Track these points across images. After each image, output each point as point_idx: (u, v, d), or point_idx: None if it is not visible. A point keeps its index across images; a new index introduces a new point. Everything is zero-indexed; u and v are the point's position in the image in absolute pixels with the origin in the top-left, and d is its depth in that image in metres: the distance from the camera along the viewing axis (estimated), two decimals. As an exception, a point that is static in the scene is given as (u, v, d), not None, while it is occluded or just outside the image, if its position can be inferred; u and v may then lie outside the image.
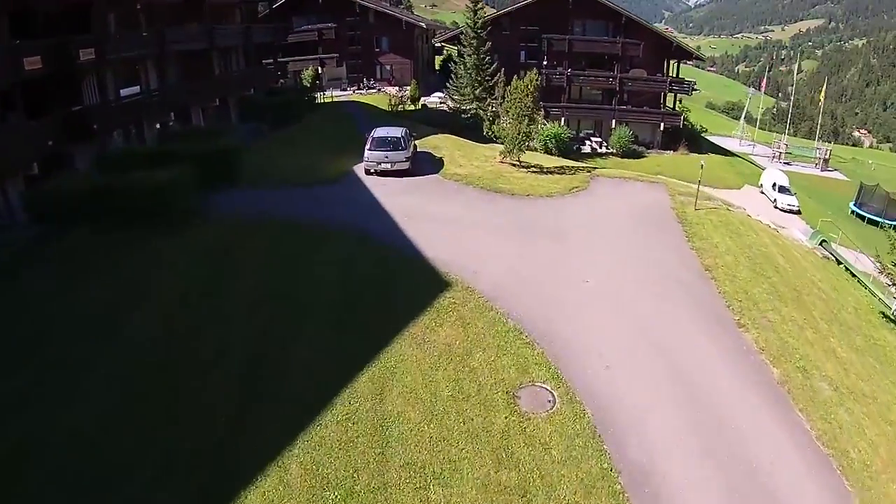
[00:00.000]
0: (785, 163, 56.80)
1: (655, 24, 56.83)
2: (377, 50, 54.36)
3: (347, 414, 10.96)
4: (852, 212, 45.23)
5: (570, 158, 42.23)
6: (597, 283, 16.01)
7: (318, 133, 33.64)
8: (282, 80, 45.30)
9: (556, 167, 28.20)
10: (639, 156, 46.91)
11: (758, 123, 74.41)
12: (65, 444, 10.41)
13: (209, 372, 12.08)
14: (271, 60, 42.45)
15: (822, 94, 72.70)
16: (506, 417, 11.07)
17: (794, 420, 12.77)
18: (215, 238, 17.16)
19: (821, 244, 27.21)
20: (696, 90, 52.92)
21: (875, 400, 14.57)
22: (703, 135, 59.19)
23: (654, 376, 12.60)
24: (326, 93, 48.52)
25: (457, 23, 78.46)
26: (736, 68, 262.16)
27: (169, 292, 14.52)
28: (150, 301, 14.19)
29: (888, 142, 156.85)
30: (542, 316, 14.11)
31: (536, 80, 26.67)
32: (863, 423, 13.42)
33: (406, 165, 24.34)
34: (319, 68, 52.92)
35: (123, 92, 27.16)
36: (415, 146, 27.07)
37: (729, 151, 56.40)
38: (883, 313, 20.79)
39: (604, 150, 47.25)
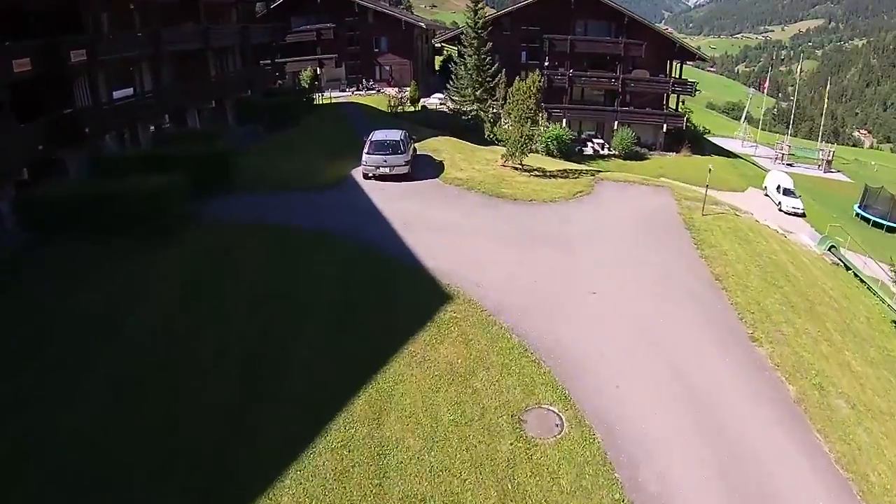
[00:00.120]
0: (788, 164, 56.31)
1: (655, 25, 56.20)
2: (376, 50, 53.73)
3: (343, 441, 10.33)
4: (857, 214, 44.70)
5: (571, 160, 41.72)
6: (604, 294, 15.38)
7: (315, 135, 32.99)
8: (280, 81, 44.66)
9: (559, 171, 27.59)
10: (641, 158, 46.35)
11: (761, 125, 73.61)
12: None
13: (204, 385, 11.50)
14: (269, 61, 41.81)
15: (826, 95, 72.04)
16: (511, 444, 10.44)
17: (812, 441, 12.18)
18: (206, 247, 16.54)
19: (829, 250, 26.63)
20: (697, 91, 52.35)
21: (892, 417, 13.98)
22: (705, 136, 58.67)
23: (666, 396, 11.99)
24: (325, 94, 47.88)
25: (457, 23, 77.85)
26: (736, 68, 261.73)
27: (155, 306, 13.89)
28: (134, 315, 13.55)
29: (888, 142, 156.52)
30: (548, 330, 13.48)
31: (539, 81, 26.05)
32: (881, 444, 12.84)
33: (405, 170, 23.69)
34: (318, 69, 52.26)
35: (117, 94, 26.50)
36: (414, 149, 26.43)
37: (732, 153, 55.87)
38: (895, 322, 20.22)
39: (606, 151, 46.68)
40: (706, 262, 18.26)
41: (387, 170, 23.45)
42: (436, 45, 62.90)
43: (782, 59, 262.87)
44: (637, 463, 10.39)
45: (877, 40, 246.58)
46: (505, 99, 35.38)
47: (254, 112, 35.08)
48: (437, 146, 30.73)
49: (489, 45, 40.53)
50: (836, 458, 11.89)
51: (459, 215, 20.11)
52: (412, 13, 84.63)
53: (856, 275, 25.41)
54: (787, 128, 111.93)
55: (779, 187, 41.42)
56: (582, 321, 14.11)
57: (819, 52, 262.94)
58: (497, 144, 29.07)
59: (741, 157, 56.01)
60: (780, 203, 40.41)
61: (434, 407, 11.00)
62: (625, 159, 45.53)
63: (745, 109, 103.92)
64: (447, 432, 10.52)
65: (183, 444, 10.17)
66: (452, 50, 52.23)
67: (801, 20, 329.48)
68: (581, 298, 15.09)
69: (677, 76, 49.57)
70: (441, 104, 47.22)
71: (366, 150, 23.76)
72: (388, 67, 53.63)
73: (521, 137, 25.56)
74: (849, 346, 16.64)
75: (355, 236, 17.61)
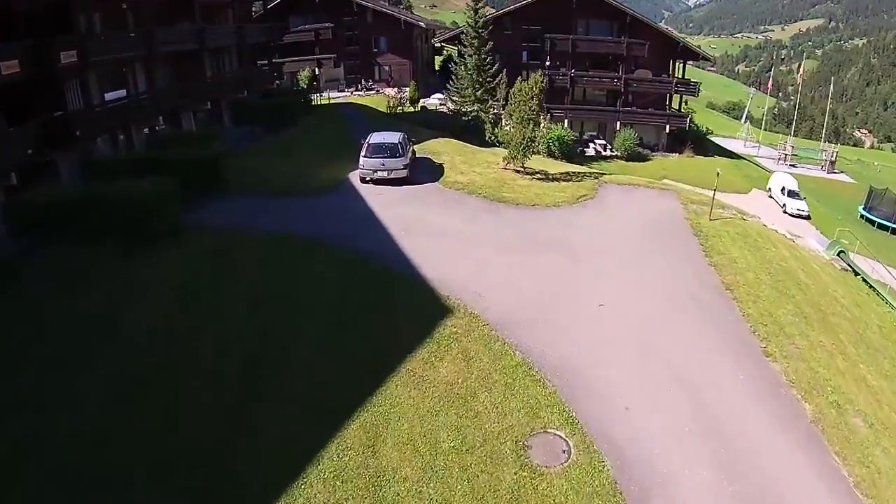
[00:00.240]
0: (791, 165, 55.69)
1: (658, 24, 55.55)
2: (375, 50, 53.11)
3: (336, 470, 9.64)
4: (861, 216, 44.13)
5: (573, 162, 41.12)
6: (611, 306, 14.72)
7: (313, 137, 32.34)
8: (277, 82, 44.00)
9: (562, 173, 26.95)
10: (644, 159, 45.77)
11: (763, 125, 73.03)
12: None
13: (193, 403, 10.88)
14: (266, 61, 41.15)
15: (830, 94, 71.44)
16: (515, 473, 9.76)
17: (830, 465, 11.55)
18: (196, 256, 15.86)
19: (838, 255, 26.00)
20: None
21: (910, 435, 13.37)
22: (708, 137, 58.06)
23: (678, 418, 11.35)
24: (324, 94, 47.27)
25: (456, 23, 77.16)
26: (736, 68, 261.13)
27: (143, 315, 13.27)
28: (123, 323, 12.93)
29: (889, 141, 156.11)
30: (554, 346, 12.82)
31: (542, 81, 25.40)
32: (901, 465, 12.23)
33: (404, 173, 23.01)
34: (316, 69, 51.62)
35: (109, 96, 25.92)
36: (413, 152, 25.77)
37: (735, 154, 55.29)
38: (909, 331, 19.60)
39: (608, 152, 46.09)
40: (715, 270, 17.63)
41: (385, 173, 22.78)
42: (436, 44, 62.23)
43: (782, 59, 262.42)
44: (649, 494, 9.74)
45: (877, 40, 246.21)
46: (506, 100, 34.81)
47: (250, 113, 34.51)
48: (437, 148, 30.09)
49: (490, 44, 39.88)
50: (855, 482, 11.28)
51: (460, 221, 19.46)
52: (412, 13, 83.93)
53: (864, 280, 24.85)
54: (788, 127, 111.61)
55: (783, 189, 40.87)
56: (588, 336, 13.45)
57: (819, 52, 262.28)
58: (498, 146, 28.41)
59: (744, 158, 55.42)
60: (784, 205, 39.87)
61: (433, 432, 10.33)
62: (627, 160, 44.93)
63: (746, 109, 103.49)
64: (447, 461, 9.85)
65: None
66: (452, 50, 51.60)
67: (801, 20, 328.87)
68: (587, 310, 14.43)
69: (680, 76, 48.94)
70: (441, 105, 46.60)
71: (363, 153, 23.07)
72: (387, 67, 53.00)
73: (523, 140, 24.91)
74: (863, 358, 16.03)
75: (352, 244, 16.94)
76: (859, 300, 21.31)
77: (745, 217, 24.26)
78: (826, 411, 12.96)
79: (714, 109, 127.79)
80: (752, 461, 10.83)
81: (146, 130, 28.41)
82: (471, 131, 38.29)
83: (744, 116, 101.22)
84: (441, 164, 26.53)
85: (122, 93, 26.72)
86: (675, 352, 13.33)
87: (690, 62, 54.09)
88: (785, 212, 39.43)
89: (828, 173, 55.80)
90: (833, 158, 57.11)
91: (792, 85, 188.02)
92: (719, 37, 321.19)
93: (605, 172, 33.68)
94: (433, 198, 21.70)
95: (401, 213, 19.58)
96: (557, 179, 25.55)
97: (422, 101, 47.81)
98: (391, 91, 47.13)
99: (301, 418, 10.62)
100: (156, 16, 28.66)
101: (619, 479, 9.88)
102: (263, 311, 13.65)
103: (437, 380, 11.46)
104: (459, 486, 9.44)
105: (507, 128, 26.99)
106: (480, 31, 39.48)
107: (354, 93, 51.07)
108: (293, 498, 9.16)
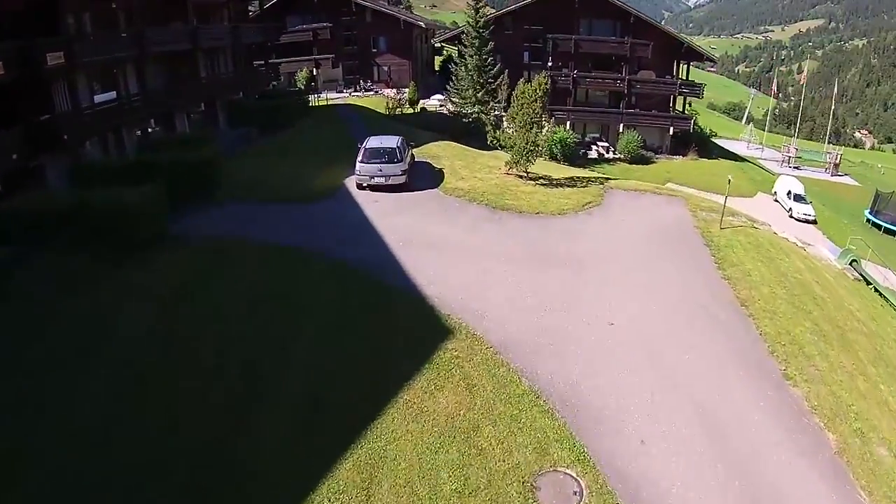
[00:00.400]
0: (794, 167, 54.97)
1: (662, 25, 54.77)
2: (374, 50, 52.33)
3: (327, 517, 8.84)
4: (868, 220, 43.43)
5: (576, 164, 40.34)
6: (622, 325, 13.86)
7: (309, 139, 31.49)
8: (274, 83, 43.15)
9: (566, 178, 26.09)
10: (647, 161, 45.01)
11: (767, 126, 72.25)
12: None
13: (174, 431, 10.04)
14: (262, 62, 40.29)
15: (833, 95, 70.70)
16: (523, 519, 8.96)
17: (858, 501, 10.76)
18: (180, 269, 14.96)
19: (851, 264, 25.23)
20: (701, 92, 50.93)
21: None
22: (711, 139, 57.29)
23: (697, 452, 10.52)
24: (321, 95, 46.50)
25: (456, 23, 76.38)
26: (736, 68, 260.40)
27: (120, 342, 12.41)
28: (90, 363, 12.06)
29: (890, 142, 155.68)
30: (562, 371, 11.97)
31: (545, 84, 24.53)
32: (928, 500, 11.44)
33: (402, 179, 22.11)
34: (314, 70, 50.81)
35: (99, 98, 25.01)
36: (412, 156, 24.92)
37: (739, 156, 54.54)
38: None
39: (611, 155, 45.31)
40: (729, 283, 16.81)
41: (382, 180, 21.89)
42: (435, 45, 61.43)
43: (782, 60, 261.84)
44: (669, 540, 8.94)
45: (877, 40, 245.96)
46: (508, 101, 33.99)
47: (246, 115, 33.72)
48: (437, 152, 29.24)
49: (491, 44, 39.09)
50: (883, 519, 10.51)
51: (461, 231, 18.59)
52: (411, 13, 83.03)
53: (876, 289, 24.11)
54: (788, 128, 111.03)
55: (789, 193, 40.16)
56: (599, 359, 12.59)
57: (819, 53, 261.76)
58: (500, 150, 27.54)
59: (748, 161, 54.67)
60: (790, 209, 39.16)
61: (433, 472, 9.43)
62: (630, 163, 44.16)
63: (747, 110, 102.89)
64: (449, 506, 9.01)
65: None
66: (452, 50, 50.79)
67: (802, 20, 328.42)
68: (597, 330, 13.56)
69: (684, 77, 48.15)
70: (441, 106, 45.81)
71: (359, 158, 22.15)
72: (386, 68, 52.21)
73: (526, 144, 24.05)
74: (883, 378, 15.22)
75: (346, 256, 16.03)
76: (874, 313, 20.54)
77: (755, 225, 23.46)
78: (850, 441, 12.17)
79: (714, 110, 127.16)
80: (779, 499, 10.02)
81: (138, 133, 27.58)
82: (471, 134, 37.50)
83: (745, 118, 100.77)
84: (441, 168, 25.68)
85: (113, 95, 25.83)
86: (691, 376, 12.49)
87: (694, 63, 53.29)
88: (791, 216, 38.73)
89: (832, 176, 55.18)
90: (837, 161, 56.42)
91: (792, 85, 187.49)
92: (719, 37, 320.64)
93: (609, 176, 32.90)
94: (433, 206, 20.81)
95: (399, 222, 18.71)
96: (562, 185, 24.70)
97: (421, 102, 47.01)
98: (390, 92, 46.34)
99: (290, 457, 9.75)
100: (148, 15, 27.79)
101: (636, 524, 9.07)
102: (250, 330, 12.80)
103: (438, 411, 10.58)
104: (462, 537, 8.60)
105: (510, 131, 26.14)
106: (481, 30, 38.68)
107: (353, 94, 50.29)
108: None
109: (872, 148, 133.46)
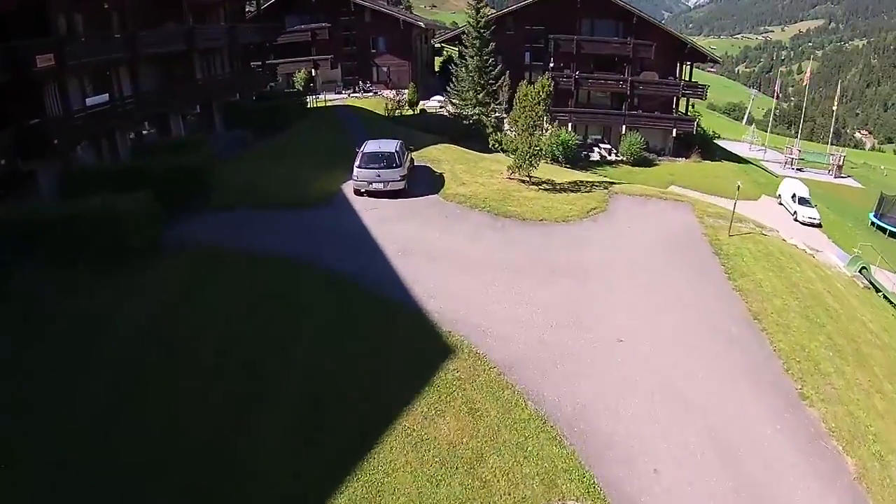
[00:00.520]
0: (797, 169, 54.40)
1: (665, 25, 54.15)
2: (373, 51, 51.68)
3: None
4: (872, 223, 42.92)
5: (578, 167, 39.77)
6: (632, 342, 13.24)
7: (306, 142, 30.82)
8: (271, 84, 42.52)
9: (570, 183, 25.48)
10: (650, 164, 44.44)
11: (769, 127, 71.63)
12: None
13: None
14: (259, 63, 39.65)
15: (836, 99, 70.03)
16: (532, 560, 8.38)
17: (881, 530, 10.21)
18: (170, 281, 14.35)
19: (860, 272, 24.67)
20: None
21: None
22: (714, 141, 56.68)
23: (713, 481, 9.94)
24: (320, 96, 45.89)
25: (456, 23, 75.85)
26: (736, 69, 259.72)
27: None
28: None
29: (890, 143, 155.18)
30: (569, 393, 11.36)
31: (549, 86, 23.88)
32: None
33: (401, 185, 21.41)
34: (313, 70, 50.17)
35: (91, 101, 24.38)
36: (411, 160, 24.27)
37: (742, 158, 53.95)
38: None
39: (613, 157, 44.70)
40: (741, 295, 16.21)
41: (380, 185, 21.19)
42: (435, 45, 60.84)
43: (782, 60, 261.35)
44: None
45: (877, 40, 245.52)
46: (509, 103, 33.36)
47: (243, 116, 33.08)
48: (437, 155, 28.62)
49: (492, 45, 38.47)
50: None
51: (462, 240, 17.94)
52: (411, 13, 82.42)
53: (885, 297, 23.57)
54: (788, 128, 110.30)
55: (794, 196, 39.61)
56: (608, 379, 11.98)
57: (819, 53, 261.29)
58: (502, 153, 26.88)
59: (751, 163, 54.10)
60: (795, 213, 38.65)
61: (435, 507, 8.89)
62: (633, 165, 43.58)
63: (748, 111, 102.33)
64: (451, 547, 8.39)
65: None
66: (453, 51, 50.23)
67: (801, 20, 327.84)
68: (605, 347, 12.95)
69: (687, 78, 47.57)
70: (441, 107, 45.20)
71: (357, 162, 21.42)
72: (385, 69, 51.56)
73: (529, 148, 23.39)
74: (900, 393, 14.67)
75: (342, 267, 15.37)
76: (886, 324, 19.98)
77: (764, 231, 22.88)
78: (869, 465, 11.62)
79: (714, 111, 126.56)
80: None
81: (132, 136, 26.97)
82: (472, 136, 36.90)
83: (745, 118, 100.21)
84: (441, 173, 25.05)
85: (105, 97, 25.19)
86: (704, 398, 11.90)
87: (698, 64, 52.70)
88: (795, 219, 38.22)
89: (835, 178, 54.62)
90: (840, 163, 55.85)
91: (792, 86, 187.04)
92: (719, 37, 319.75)
93: (613, 179, 32.34)
94: (433, 212, 20.14)
95: (397, 230, 18.05)
96: (565, 190, 24.09)
97: (421, 103, 46.42)
98: (389, 93, 45.75)
99: (282, 493, 9.15)
100: (142, 16, 27.15)
101: (652, 564, 8.48)
102: (238, 351, 12.12)
103: (439, 439, 9.95)
104: (466, 582, 7.98)
105: (512, 134, 25.51)
106: (482, 31, 38.08)
107: (352, 95, 49.69)
108: None
109: (873, 148, 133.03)
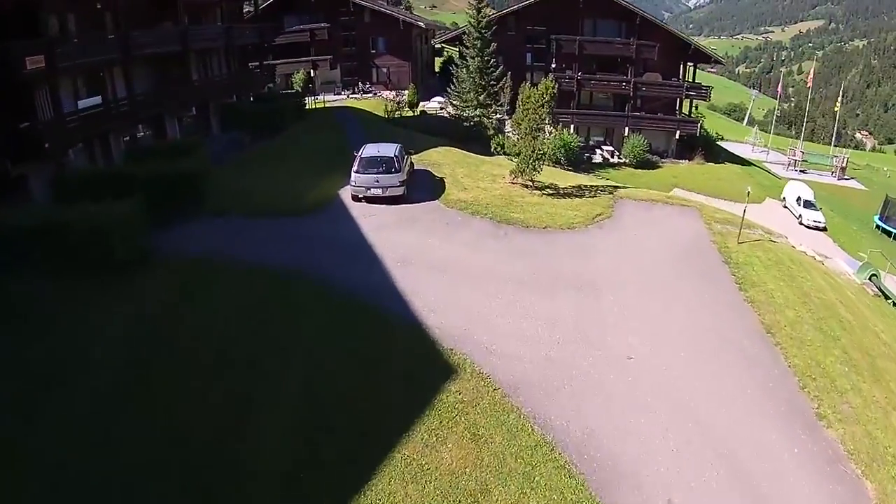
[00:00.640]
0: (801, 171, 53.91)
1: (668, 25, 53.55)
2: (373, 51, 51.12)
3: None
4: (877, 226, 42.44)
5: (580, 169, 39.24)
6: (642, 359, 12.66)
7: (304, 145, 30.25)
8: (269, 85, 41.94)
9: (573, 187, 24.91)
10: (653, 166, 43.92)
11: (771, 129, 71.12)
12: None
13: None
14: (257, 63, 39.07)
15: (839, 101, 69.52)
16: None
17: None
18: (158, 295, 13.73)
19: (870, 279, 24.14)
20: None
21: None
22: (717, 142, 56.17)
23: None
24: (319, 97, 45.34)
25: (456, 23, 75.30)
26: (736, 69, 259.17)
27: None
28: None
29: (890, 143, 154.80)
30: (577, 416, 10.78)
31: (552, 88, 23.26)
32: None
33: (400, 191, 20.75)
34: (312, 71, 49.61)
35: (83, 103, 23.80)
36: (411, 164, 23.67)
37: (746, 161, 53.45)
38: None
39: (616, 159, 44.19)
40: (753, 307, 15.65)
41: (379, 191, 20.52)
42: (435, 45, 60.30)
43: (783, 61, 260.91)
44: None
45: (877, 41, 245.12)
46: (511, 105, 32.80)
47: (240, 118, 32.53)
48: (438, 158, 28.04)
49: (493, 46, 37.90)
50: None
51: (464, 249, 17.33)
52: (411, 13, 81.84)
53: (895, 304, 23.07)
54: (789, 129, 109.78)
55: (799, 199, 39.15)
56: (618, 400, 11.39)
57: (819, 53, 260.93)
58: (504, 156, 26.29)
59: (755, 165, 53.60)
60: (800, 216, 38.18)
61: (436, 548, 8.30)
62: (636, 168, 43.08)
63: (749, 112, 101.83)
64: None
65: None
66: (453, 51, 49.69)
67: (802, 21, 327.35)
68: (614, 366, 12.36)
69: (690, 79, 47.02)
70: (441, 109, 44.66)
71: (355, 167, 20.72)
72: (385, 69, 51.02)
73: (532, 152, 22.79)
74: (918, 411, 14.11)
75: (339, 279, 14.69)
76: (899, 333, 19.44)
77: (773, 238, 22.34)
78: (889, 489, 11.07)
79: (715, 111, 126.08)
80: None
81: (127, 138, 26.40)
82: (473, 138, 36.36)
83: (746, 119, 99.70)
84: (441, 177, 24.47)
85: (98, 100, 24.60)
86: (718, 420, 11.34)
87: (702, 65, 52.13)
88: (801, 223, 37.74)
89: (838, 180, 54.18)
90: (844, 164, 55.38)
91: (792, 86, 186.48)
92: (719, 38, 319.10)
93: (616, 182, 31.78)
94: (433, 219, 19.51)
95: (396, 239, 17.43)
96: (569, 195, 23.53)
97: (421, 104, 45.87)
98: (389, 94, 45.19)
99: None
100: (137, 16, 26.60)
101: None
102: (227, 375, 11.46)
103: (441, 468, 9.35)
104: None
105: (514, 137, 24.92)
106: (483, 31, 37.52)
107: (351, 96, 49.15)
108: None
109: (873, 149, 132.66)
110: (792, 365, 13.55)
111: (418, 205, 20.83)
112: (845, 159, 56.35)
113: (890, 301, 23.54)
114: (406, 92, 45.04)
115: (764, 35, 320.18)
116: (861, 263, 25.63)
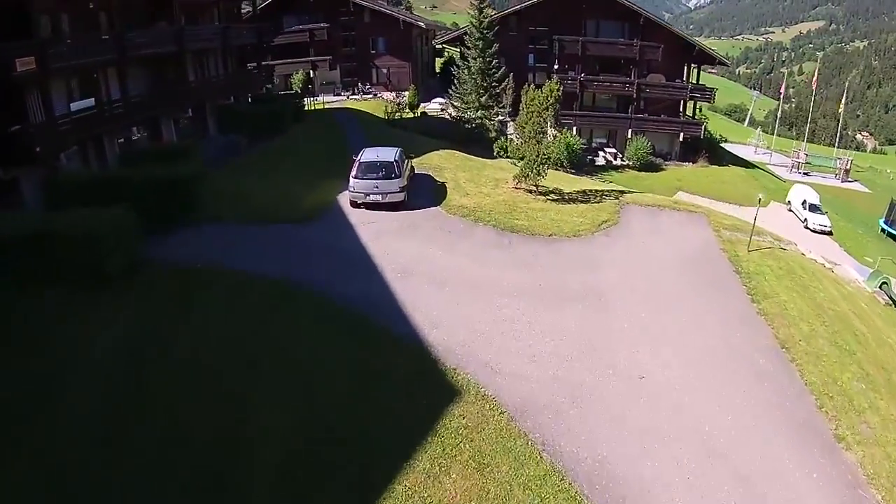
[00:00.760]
0: (804, 173, 53.44)
1: (672, 26, 53.00)
2: (373, 52, 50.59)
3: None
4: (882, 230, 42.01)
5: (583, 172, 38.70)
6: (653, 378, 12.09)
7: (302, 148, 29.69)
8: (268, 86, 41.38)
9: (578, 192, 24.33)
10: (657, 168, 43.44)
11: (775, 131, 70.59)
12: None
13: None
14: (255, 64, 38.50)
15: (842, 102, 69.03)
16: None
17: None
18: (145, 312, 13.13)
19: (881, 287, 23.60)
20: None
21: None
22: (720, 144, 55.65)
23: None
24: (318, 98, 44.81)
25: (457, 24, 74.70)
26: (737, 70, 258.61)
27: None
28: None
29: (891, 144, 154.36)
30: (588, 442, 10.21)
31: (557, 90, 22.66)
32: None
33: (400, 197, 20.15)
34: (311, 72, 49.07)
35: (76, 105, 23.25)
36: (411, 168, 23.11)
37: (749, 163, 52.96)
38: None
39: (619, 162, 43.70)
40: (766, 320, 15.10)
41: (378, 197, 19.91)
42: (436, 46, 59.76)
43: (783, 62, 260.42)
44: None
45: (878, 42, 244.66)
46: (513, 107, 32.24)
47: (237, 120, 31.96)
48: (439, 162, 27.49)
49: (495, 46, 37.34)
50: None
51: (466, 259, 16.74)
52: (412, 13, 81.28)
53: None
54: (789, 130, 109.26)
55: (804, 203, 38.72)
56: (630, 424, 10.81)
57: (820, 54, 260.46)
58: (505, 158, 25.67)
59: (758, 167, 53.11)
60: (805, 220, 37.76)
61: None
62: (639, 170, 42.60)
63: (750, 112, 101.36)
64: None
65: None
66: (454, 51, 49.14)
67: (802, 21, 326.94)
68: (625, 386, 11.79)
69: (694, 81, 46.50)
70: (442, 110, 44.11)
71: (353, 172, 20.09)
72: (385, 70, 50.49)
73: (537, 157, 22.21)
74: (935, 429, 13.58)
75: (336, 292, 14.05)
76: (913, 346, 18.90)
77: (782, 245, 21.79)
78: (912, 518, 10.56)
79: (716, 112, 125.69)
80: None
81: (122, 140, 25.85)
82: (474, 140, 35.83)
83: (747, 120, 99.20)
84: (443, 182, 23.90)
85: (91, 102, 24.03)
86: (735, 444, 10.79)
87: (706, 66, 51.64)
88: (806, 227, 37.31)
89: (842, 182, 53.72)
90: (847, 167, 54.95)
91: (793, 87, 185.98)
92: (720, 38, 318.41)
93: (620, 185, 31.28)
94: (434, 227, 18.92)
95: (397, 248, 16.84)
96: (574, 200, 22.97)
97: (422, 105, 45.37)
98: (389, 95, 44.63)
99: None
100: (132, 16, 26.05)
101: None
102: (217, 398, 10.83)
103: (444, 501, 8.80)
104: None
105: (518, 141, 24.33)
106: (485, 31, 36.96)
107: (351, 97, 48.62)
108: None
109: (874, 150, 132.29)
110: (808, 382, 13.02)
111: (419, 211, 20.23)
112: (849, 161, 55.90)
113: (899, 309, 23.02)
114: (406, 93, 44.51)
115: (764, 36, 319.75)
116: (871, 271, 25.10)
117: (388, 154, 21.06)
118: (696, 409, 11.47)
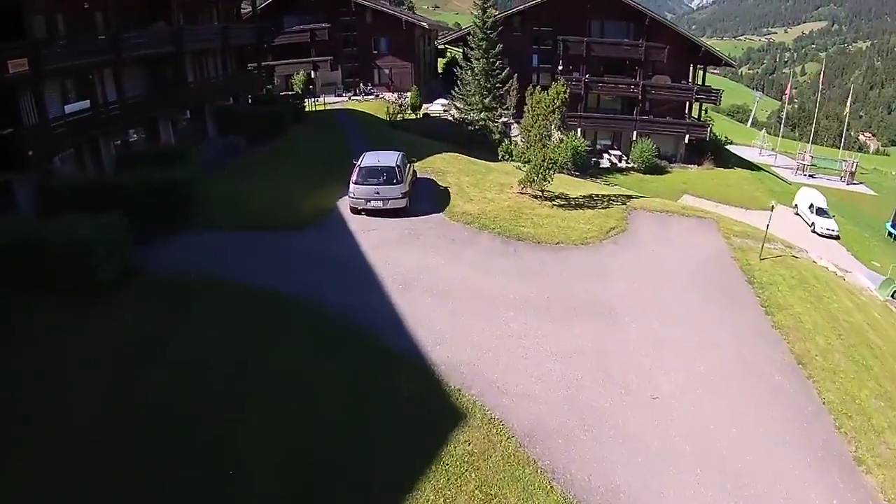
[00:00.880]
0: (809, 176, 52.92)
1: (678, 27, 52.52)
2: (375, 52, 50.09)
3: None
4: (889, 233, 41.51)
5: (587, 174, 38.23)
6: (667, 399, 11.53)
7: (302, 150, 29.14)
8: (268, 86, 40.88)
9: (585, 197, 23.80)
10: (662, 171, 42.92)
11: (780, 132, 70.02)
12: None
13: None
14: (256, 64, 37.98)
15: (848, 104, 68.45)
16: None
17: None
18: (137, 323, 12.63)
19: (893, 296, 23.08)
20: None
21: None
22: (726, 146, 55.12)
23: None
24: (319, 99, 44.31)
25: (459, 24, 74.21)
26: (739, 70, 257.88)
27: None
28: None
29: (893, 145, 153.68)
30: (600, 469, 9.67)
31: (564, 92, 22.09)
32: None
33: (402, 203, 19.58)
34: (312, 72, 48.56)
35: (71, 107, 22.74)
36: (413, 173, 22.57)
37: (755, 165, 52.44)
38: None
39: (624, 164, 43.16)
40: (781, 334, 14.57)
41: (379, 203, 19.34)
42: (439, 46, 59.23)
43: (786, 62, 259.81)
44: None
45: (880, 43, 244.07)
46: (517, 109, 31.72)
47: (236, 121, 31.49)
48: (442, 165, 26.95)
49: (499, 47, 36.80)
50: None
51: (470, 269, 16.19)
52: (414, 13, 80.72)
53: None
54: (792, 131, 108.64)
55: (811, 206, 38.21)
56: (644, 448, 10.28)
57: (822, 55, 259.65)
58: (510, 162, 25.11)
59: (764, 170, 52.58)
60: (813, 224, 37.26)
61: None
62: (645, 173, 42.08)
63: (752, 113, 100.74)
64: None
65: None
66: (457, 52, 48.66)
67: (804, 22, 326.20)
68: (638, 407, 11.24)
69: (700, 82, 45.97)
70: (444, 111, 43.56)
71: (354, 178, 19.52)
72: (387, 70, 49.99)
73: (543, 161, 21.65)
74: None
75: (333, 305, 13.52)
76: (928, 357, 18.37)
77: (794, 253, 21.26)
78: (935, 543, 10.06)
79: (719, 113, 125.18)
80: None
81: (118, 142, 25.35)
82: (477, 142, 35.32)
83: (750, 121, 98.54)
84: (446, 186, 23.37)
85: (87, 104, 23.52)
86: (753, 468, 10.27)
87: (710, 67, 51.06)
88: (813, 231, 36.81)
89: (847, 184, 53.19)
90: (853, 169, 54.41)
91: (796, 88, 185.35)
92: (722, 39, 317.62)
93: (625, 189, 30.83)
94: (437, 235, 18.37)
95: (398, 257, 16.30)
96: (580, 206, 22.42)
97: (424, 106, 44.84)
98: (391, 96, 44.13)
99: None
100: (129, 16, 25.55)
101: None
102: (205, 419, 10.34)
103: (450, 537, 8.33)
104: None
105: (523, 144, 23.78)
106: (489, 32, 36.42)
107: (352, 97, 48.11)
108: None
109: (877, 151, 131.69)
110: (826, 401, 12.49)
111: (421, 218, 19.67)
112: (855, 163, 55.37)
113: (912, 317, 22.50)
114: (408, 94, 44.01)
115: (767, 36, 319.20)
116: (884, 279, 24.57)
117: (390, 158, 20.51)
118: (712, 431, 10.95)
